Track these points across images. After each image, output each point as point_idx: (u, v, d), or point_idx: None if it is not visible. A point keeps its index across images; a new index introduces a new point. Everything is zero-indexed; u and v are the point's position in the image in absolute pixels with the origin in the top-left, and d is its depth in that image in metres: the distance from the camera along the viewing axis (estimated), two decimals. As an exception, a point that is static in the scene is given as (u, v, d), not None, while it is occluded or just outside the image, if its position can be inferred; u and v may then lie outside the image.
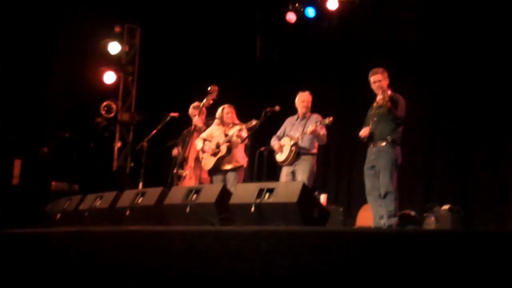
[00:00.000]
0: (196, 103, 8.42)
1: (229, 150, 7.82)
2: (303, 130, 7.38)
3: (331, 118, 7.11)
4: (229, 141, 7.81)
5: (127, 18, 11.57)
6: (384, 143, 6.69)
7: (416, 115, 8.12)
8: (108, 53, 11.26)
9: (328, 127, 7.34)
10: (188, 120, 8.52)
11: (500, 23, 8.49)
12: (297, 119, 7.69)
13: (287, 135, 7.59)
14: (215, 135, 8.02)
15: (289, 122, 7.78)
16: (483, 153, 8.51)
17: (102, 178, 10.52)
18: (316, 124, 7.20)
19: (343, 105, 10.20)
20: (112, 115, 11.28)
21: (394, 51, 9.53)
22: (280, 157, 7.52)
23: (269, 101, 8.23)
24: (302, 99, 7.65)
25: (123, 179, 10.97)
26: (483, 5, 8.68)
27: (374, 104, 6.89)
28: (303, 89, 7.77)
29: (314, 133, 7.23)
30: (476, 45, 8.74)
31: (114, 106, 11.29)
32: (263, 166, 7.92)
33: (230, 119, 8.01)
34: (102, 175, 10.75)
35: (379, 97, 6.65)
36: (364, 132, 6.88)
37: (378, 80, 6.81)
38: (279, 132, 7.77)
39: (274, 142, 7.65)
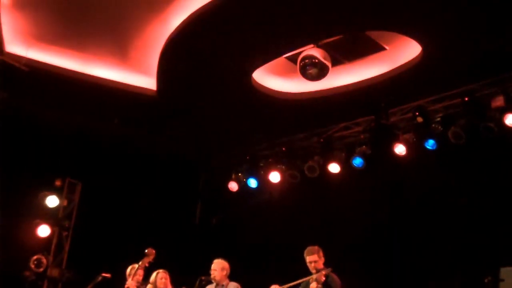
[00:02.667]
0: (134, 265, 8.25)
1: (158, 316, 7.63)
2: None
3: None
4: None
5: (69, 172, 11.51)
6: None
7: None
8: (45, 206, 11.08)
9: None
10: (121, 282, 8.29)
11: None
12: (216, 286, 7.65)
13: None
14: (147, 299, 7.84)
15: None
16: None
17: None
18: None
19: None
20: (41, 269, 10.86)
21: (326, 227, 9.74)
22: None
23: (206, 268, 8.17)
24: (214, 268, 7.64)
25: None
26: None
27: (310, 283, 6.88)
28: (219, 257, 7.79)
29: None
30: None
31: (44, 260, 10.90)
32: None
33: (163, 285, 7.97)
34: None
35: (312, 286, 6.69)
36: None
37: (313, 260, 6.96)
38: None
39: None
